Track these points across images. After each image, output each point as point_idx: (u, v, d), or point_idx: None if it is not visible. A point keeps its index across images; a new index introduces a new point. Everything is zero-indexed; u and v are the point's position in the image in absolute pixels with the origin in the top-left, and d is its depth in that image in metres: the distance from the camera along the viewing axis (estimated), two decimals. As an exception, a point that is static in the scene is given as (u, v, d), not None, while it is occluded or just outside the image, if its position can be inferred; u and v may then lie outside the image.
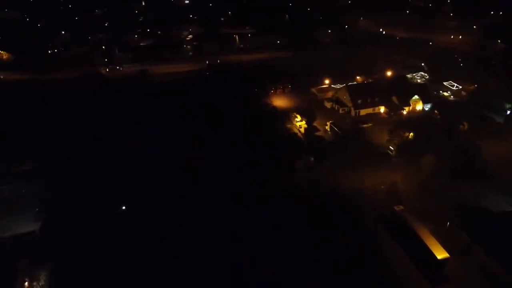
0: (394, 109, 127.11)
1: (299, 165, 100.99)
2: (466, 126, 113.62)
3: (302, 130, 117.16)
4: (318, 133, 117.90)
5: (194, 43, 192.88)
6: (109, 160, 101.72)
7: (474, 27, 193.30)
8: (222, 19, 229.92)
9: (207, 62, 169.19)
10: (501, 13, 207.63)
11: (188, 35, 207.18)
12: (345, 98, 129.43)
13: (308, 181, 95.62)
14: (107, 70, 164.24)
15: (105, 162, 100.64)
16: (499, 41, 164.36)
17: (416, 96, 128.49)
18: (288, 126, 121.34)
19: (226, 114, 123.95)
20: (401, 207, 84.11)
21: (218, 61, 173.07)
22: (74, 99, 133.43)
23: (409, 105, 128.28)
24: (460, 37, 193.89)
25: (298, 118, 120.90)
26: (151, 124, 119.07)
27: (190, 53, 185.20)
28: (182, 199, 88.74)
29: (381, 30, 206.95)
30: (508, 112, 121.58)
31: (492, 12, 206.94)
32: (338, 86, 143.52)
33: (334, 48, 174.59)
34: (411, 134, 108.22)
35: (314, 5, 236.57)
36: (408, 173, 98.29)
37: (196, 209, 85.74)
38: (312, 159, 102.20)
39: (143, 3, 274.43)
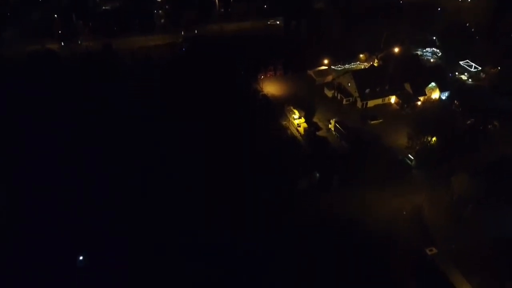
0: (407, 99, 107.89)
1: (302, 184, 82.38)
2: (497, 126, 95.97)
3: (301, 130, 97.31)
4: (320, 133, 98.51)
5: (167, 6, 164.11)
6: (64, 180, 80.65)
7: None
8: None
9: (182, 34, 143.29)
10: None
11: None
12: (350, 86, 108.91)
13: (316, 209, 77.60)
14: (62, 44, 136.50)
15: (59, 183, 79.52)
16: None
17: (432, 84, 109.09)
18: (284, 123, 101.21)
19: (206, 109, 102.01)
20: (434, 250, 67.85)
21: (196, 31, 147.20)
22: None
23: (425, 94, 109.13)
24: (470, 0, 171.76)
25: (296, 114, 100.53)
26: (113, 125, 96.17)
27: (162, 20, 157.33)
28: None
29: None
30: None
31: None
32: (339, 67, 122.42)
33: (330, 16, 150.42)
34: (434, 139, 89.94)
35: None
36: (434, 195, 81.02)
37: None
38: (318, 175, 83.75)
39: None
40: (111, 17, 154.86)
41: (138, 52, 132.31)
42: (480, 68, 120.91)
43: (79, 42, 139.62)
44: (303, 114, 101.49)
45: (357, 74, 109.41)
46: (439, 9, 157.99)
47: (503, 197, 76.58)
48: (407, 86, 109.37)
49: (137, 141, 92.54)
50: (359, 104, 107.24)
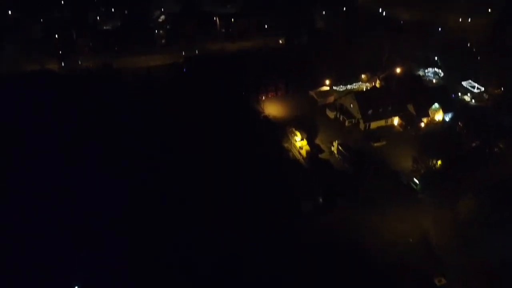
0: (410, 120, 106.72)
1: (305, 207, 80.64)
2: (503, 148, 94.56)
3: (304, 152, 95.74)
4: (322, 155, 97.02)
5: (168, 26, 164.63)
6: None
7: (489, 10, 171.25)
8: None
9: (183, 54, 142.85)
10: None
11: (160, 15, 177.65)
12: (352, 107, 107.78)
13: (319, 231, 75.92)
14: (62, 64, 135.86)
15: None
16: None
17: (436, 105, 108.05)
18: (286, 145, 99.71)
19: (207, 131, 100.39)
20: (443, 280, 65.67)
21: (197, 51, 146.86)
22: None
23: (428, 116, 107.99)
24: (470, 19, 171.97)
25: (298, 136, 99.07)
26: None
27: (163, 40, 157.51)
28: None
29: (380, 11, 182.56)
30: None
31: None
32: (341, 88, 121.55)
33: (331, 35, 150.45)
34: (439, 162, 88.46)
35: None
36: (440, 217, 79.49)
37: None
38: (321, 199, 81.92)
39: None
40: (112, 37, 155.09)
41: (139, 71, 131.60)
42: (483, 88, 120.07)
43: (79, 62, 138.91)
44: (305, 135, 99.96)
45: (359, 95, 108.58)
46: (439, 28, 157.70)
47: (508, 215, 75.28)
48: (410, 107, 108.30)
49: (137, 153, 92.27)
50: (361, 125, 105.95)
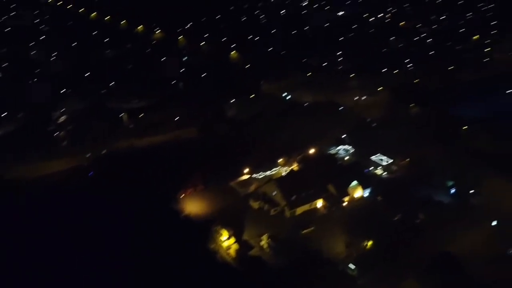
0: (333, 201, 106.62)
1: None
2: (423, 218, 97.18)
3: (232, 252, 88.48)
4: (253, 252, 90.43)
5: (69, 127, 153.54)
6: None
7: (379, 89, 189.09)
8: (104, 91, 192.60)
9: (88, 155, 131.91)
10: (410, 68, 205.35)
11: (61, 116, 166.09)
12: (275, 195, 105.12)
13: None
14: None
15: None
16: (411, 104, 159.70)
17: (355, 182, 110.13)
18: (212, 246, 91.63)
19: (118, 243, 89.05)
20: None
21: (103, 151, 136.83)
22: None
23: (348, 194, 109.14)
24: (364, 98, 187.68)
25: (225, 234, 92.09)
26: None
27: (65, 142, 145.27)
28: None
29: (284, 95, 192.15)
30: (453, 190, 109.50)
31: (396, 71, 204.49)
32: (261, 175, 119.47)
33: (242, 122, 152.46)
34: (370, 242, 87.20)
35: (209, 69, 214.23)
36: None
37: None
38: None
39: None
40: (3, 145, 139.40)
41: (36, 181, 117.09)
42: (391, 160, 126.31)
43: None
44: (231, 233, 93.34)
45: (280, 181, 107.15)
46: (340, 108, 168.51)
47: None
48: (331, 188, 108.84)
49: None
50: (287, 213, 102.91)
